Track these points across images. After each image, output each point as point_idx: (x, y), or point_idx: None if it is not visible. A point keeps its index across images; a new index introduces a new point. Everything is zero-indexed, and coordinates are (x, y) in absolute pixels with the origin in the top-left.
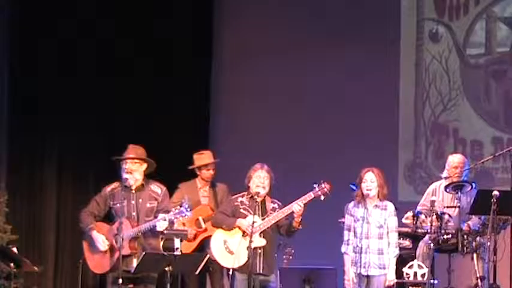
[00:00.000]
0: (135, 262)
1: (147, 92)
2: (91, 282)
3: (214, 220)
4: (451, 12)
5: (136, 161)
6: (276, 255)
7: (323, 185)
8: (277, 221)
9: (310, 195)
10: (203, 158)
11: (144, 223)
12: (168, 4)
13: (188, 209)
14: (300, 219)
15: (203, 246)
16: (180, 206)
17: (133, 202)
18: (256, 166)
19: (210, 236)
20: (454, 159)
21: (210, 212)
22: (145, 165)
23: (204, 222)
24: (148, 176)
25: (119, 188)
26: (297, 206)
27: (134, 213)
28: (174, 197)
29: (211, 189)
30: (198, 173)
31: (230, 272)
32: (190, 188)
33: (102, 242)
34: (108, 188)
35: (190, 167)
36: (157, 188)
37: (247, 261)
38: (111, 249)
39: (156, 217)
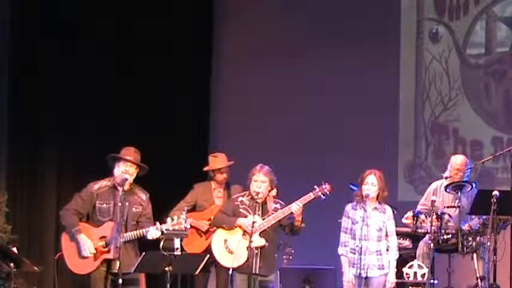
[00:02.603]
0: (118, 265)
1: (147, 92)
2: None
3: (215, 220)
4: (451, 12)
5: (134, 165)
6: (276, 255)
7: (323, 186)
8: (280, 221)
9: (309, 196)
10: (217, 161)
11: (131, 227)
12: (168, 4)
13: (187, 222)
14: (300, 218)
15: None
16: (178, 218)
17: (120, 205)
18: (255, 169)
19: None
20: (457, 161)
21: None
22: (137, 170)
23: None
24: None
25: (106, 188)
26: (295, 206)
27: (120, 216)
28: (187, 197)
29: (225, 190)
30: (212, 175)
31: (230, 272)
32: (205, 189)
33: (88, 249)
34: (95, 186)
35: (205, 169)
36: (142, 194)
37: (246, 261)
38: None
39: (138, 222)
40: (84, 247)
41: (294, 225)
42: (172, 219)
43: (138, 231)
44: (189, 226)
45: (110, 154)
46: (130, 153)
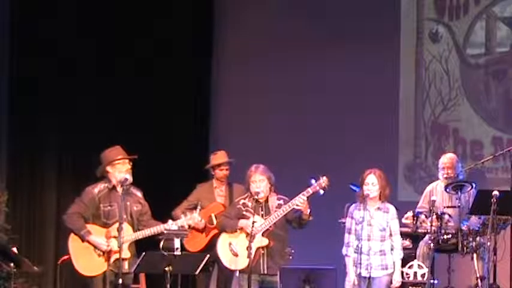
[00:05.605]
0: (126, 265)
1: (147, 92)
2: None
3: (218, 224)
4: (451, 12)
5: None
6: (286, 253)
7: (321, 180)
8: (285, 216)
9: (308, 192)
10: (216, 157)
11: (136, 225)
12: (168, 4)
13: (201, 219)
14: (308, 211)
15: (214, 242)
16: (191, 213)
17: (122, 204)
18: (251, 169)
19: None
20: (444, 159)
21: (223, 210)
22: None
23: (216, 220)
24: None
25: (106, 190)
26: (299, 199)
27: (125, 216)
28: (190, 196)
29: (227, 189)
30: (212, 173)
31: (237, 274)
32: (207, 188)
33: (104, 242)
34: (95, 190)
35: (206, 167)
36: (137, 191)
37: (253, 262)
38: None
39: (140, 221)
40: (100, 245)
41: (301, 219)
42: (186, 215)
43: (156, 227)
44: (203, 221)
45: (100, 165)
46: (120, 152)
